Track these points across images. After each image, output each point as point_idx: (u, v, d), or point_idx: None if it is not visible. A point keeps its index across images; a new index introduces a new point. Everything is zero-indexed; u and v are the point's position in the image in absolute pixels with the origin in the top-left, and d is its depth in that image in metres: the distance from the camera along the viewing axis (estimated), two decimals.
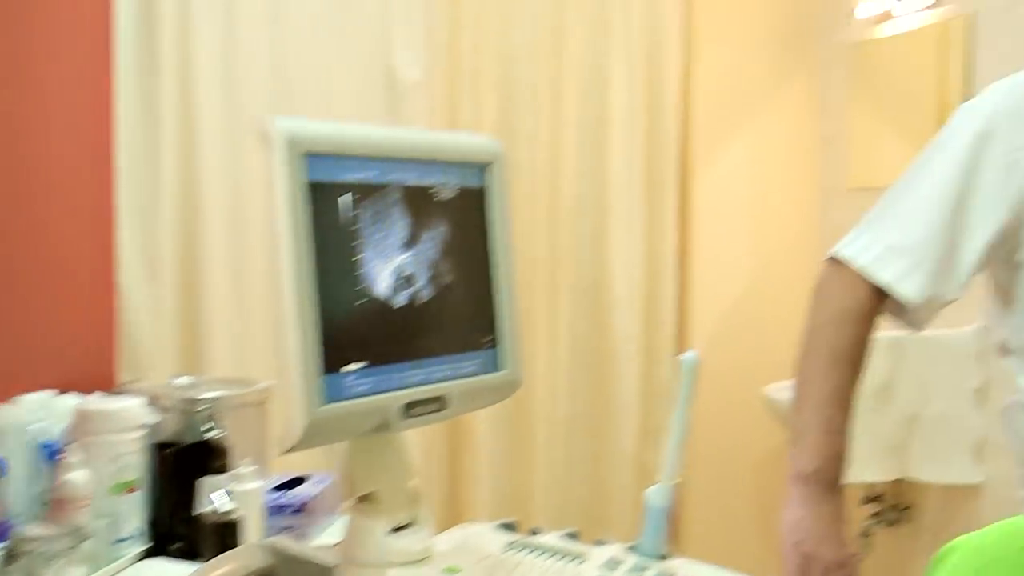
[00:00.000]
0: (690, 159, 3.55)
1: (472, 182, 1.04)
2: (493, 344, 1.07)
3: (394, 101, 2.94)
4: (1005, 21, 2.72)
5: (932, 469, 2.74)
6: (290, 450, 0.92)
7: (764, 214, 3.61)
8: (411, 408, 1.01)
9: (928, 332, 1.38)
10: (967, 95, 2.84)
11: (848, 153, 3.44)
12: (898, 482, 2.90)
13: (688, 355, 0.98)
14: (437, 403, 1.03)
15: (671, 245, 3.47)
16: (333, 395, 0.94)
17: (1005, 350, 1.36)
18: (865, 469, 2.71)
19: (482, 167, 1.05)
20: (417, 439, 2.96)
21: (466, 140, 1.05)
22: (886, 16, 3.21)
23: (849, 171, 3.42)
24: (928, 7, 3.02)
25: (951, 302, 1.31)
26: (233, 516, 1.52)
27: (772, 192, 3.61)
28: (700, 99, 3.53)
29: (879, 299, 1.32)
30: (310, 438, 0.93)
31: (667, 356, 3.41)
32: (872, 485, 3.00)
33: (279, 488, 1.85)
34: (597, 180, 3.40)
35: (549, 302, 3.37)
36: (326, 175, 0.95)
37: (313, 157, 0.93)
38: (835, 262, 1.35)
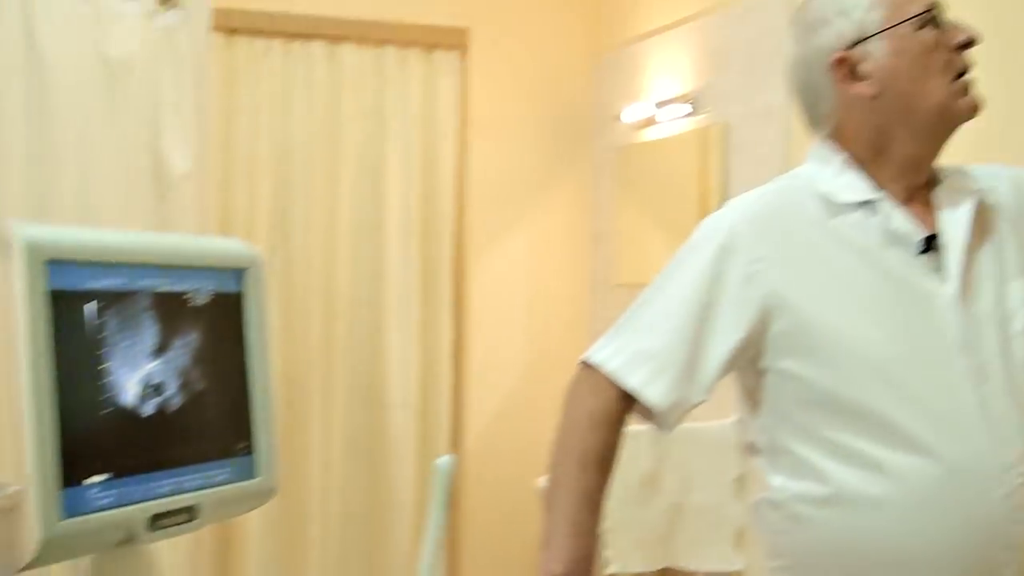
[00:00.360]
0: (466, 255, 3.63)
1: (227, 287, 1.04)
2: (248, 451, 1.06)
3: (162, 193, 2.87)
4: (753, 129, 2.97)
5: (695, 557, 2.84)
6: (27, 567, 0.87)
7: (538, 309, 3.73)
8: (159, 520, 0.98)
9: (691, 424, 1.45)
10: (725, 196, 3.05)
11: (616, 250, 3.62)
12: (664, 571, 2.98)
13: (443, 460, 1.00)
14: (187, 514, 1.00)
15: (447, 340, 3.52)
16: (73, 509, 0.91)
17: (754, 450, 1.43)
18: (631, 559, 2.79)
19: (238, 272, 1.05)
20: (183, 542, 2.83)
21: (221, 245, 1.05)
22: (650, 122, 3.43)
23: (617, 268, 3.60)
24: (687, 115, 3.25)
25: (698, 404, 1.37)
26: None
27: (546, 287, 3.75)
28: (475, 196, 3.65)
29: (628, 403, 1.37)
30: (48, 555, 0.89)
31: (443, 452, 3.43)
32: (639, 575, 3.08)
33: None
34: (373, 275, 3.42)
35: (324, 399, 3.34)
36: (69, 283, 0.93)
37: (55, 264, 0.90)
38: (587, 366, 1.39)
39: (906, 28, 1.36)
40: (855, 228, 1.37)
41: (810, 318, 1.33)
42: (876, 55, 1.37)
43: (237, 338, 1.04)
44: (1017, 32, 2.14)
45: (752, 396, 1.42)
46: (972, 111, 1.38)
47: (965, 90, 1.37)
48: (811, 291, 1.35)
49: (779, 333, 1.35)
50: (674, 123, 3.33)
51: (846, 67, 1.38)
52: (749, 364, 1.39)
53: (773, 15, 2.84)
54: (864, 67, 1.38)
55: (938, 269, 1.35)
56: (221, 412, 1.00)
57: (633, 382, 1.35)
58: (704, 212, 3.11)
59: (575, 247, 3.78)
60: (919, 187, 1.41)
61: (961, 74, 1.37)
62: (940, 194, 1.41)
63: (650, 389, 1.34)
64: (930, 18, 1.37)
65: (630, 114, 3.50)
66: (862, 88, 1.38)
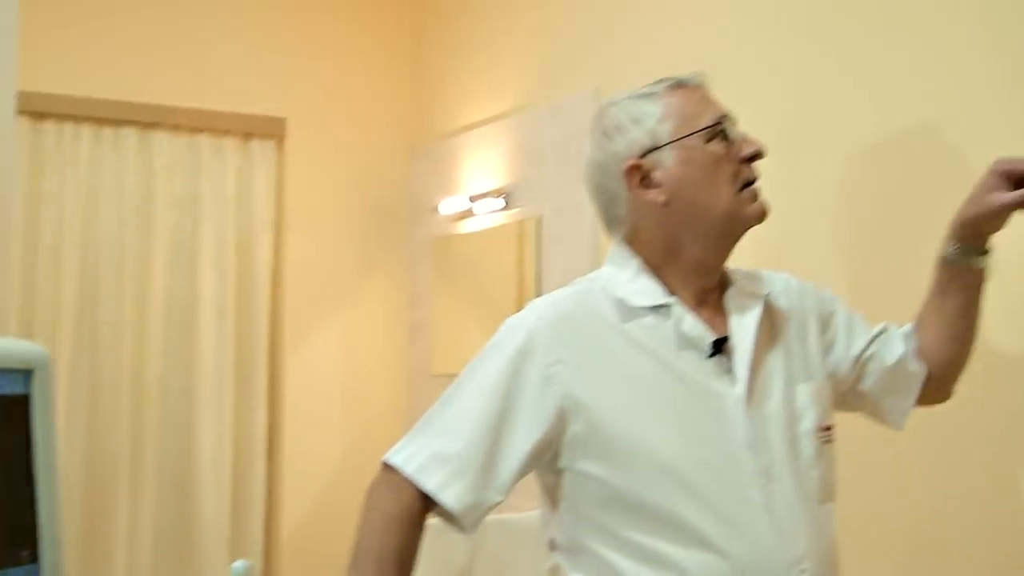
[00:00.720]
0: (281, 344, 3.60)
1: (13, 389, 1.02)
2: (34, 559, 1.03)
3: None
4: (565, 223, 3.09)
5: None
6: None
7: (354, 400, 3.72)
8: None
9: (505, 515, 1.47)
10: (540, 287, 3.15)
11: (434, 341, 3.66)
12: None
13: (238, 564, 0.99)
14: None
15: (261, 431, 3.46)
16: None
17: (554, 546, 1.45)
18: None
19: (26, 374, 1.03)
20: None
21: (7, 345, 1.03)
22: (467, 214, 3.51)
23: (435, 358, 3.63)
24: (501, 209, 3.35)
25: (496, 505, 1.38)
26: None
27: (363, 378, 3.74)
28: (292, 285, 3.63)
29: (427, 503, 1.37)
30: None
31: (256, 545, 3.34)
32: None
33: None
34: (185, 366, 3.34)
35: (131, 492, 3.21)
36: None
37: None
38: (387, 468, 1.40)
39: (695, 140, 1.42)
40: (649, 331, 1.41)
41: (605, 420, 1.37)
42: (666, 164, 1.43)
43: (22, 442, 1.01)
44: (802, 146, 2.32)
45: (551, 495, 1.44)
46: (758, 217, 1.45)
47: (752, 198, 1.44)
48: (606, 393, 1.38)
49: (575, 435, 1.37)
50: (490, 216, 3.42)
51: (638, 174, 1.44)
52: (548, 464, 1.41)
53: (582, 115, 2.97)
54: (656, 175, 1.43)
55: (728, 371, 1.40)
56: (2, 518, 0.97)
57: (430, 485, 1.36)
58: (521, 302, 3.19)
59: (392, 337, 3.80)
60: (710, 290, 1.47)
61: (748, 184, 1.44)
62: (730, 298, 1.47)
63: (447, 492, 1.35)
64: (718, 131, 1.43)
65: (447, 206, 3.58)
66: (653, 195, 1.43)
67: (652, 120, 1.44)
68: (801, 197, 2.30)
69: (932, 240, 1.51)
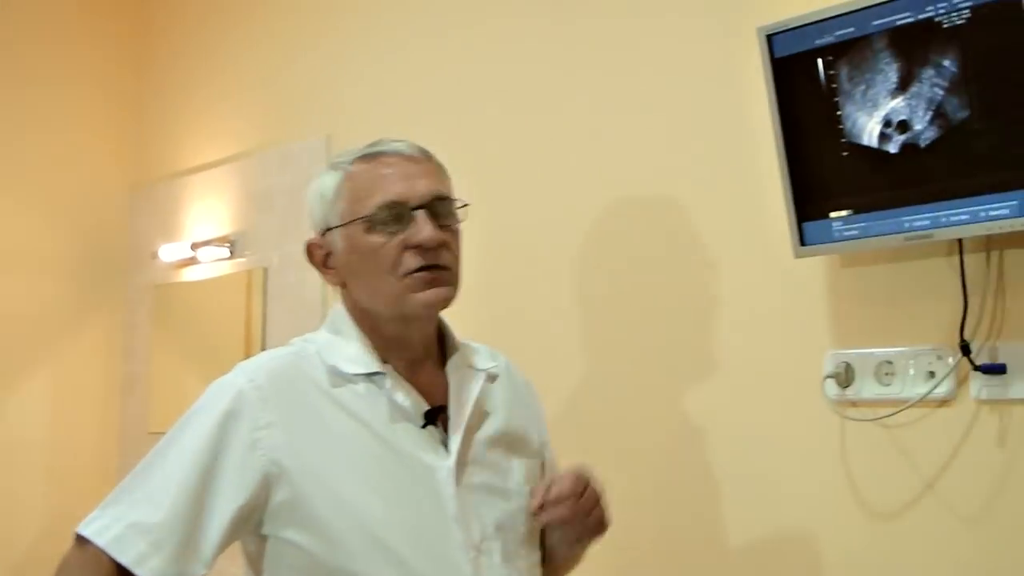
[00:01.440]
0: None
1: None
2: None
3: None
4: (293, 274, 3.01)
5: None
6: None
7: (61, 459, 3.44)
8: None
9: None
10: (265, 340, 3.06)
11: (151, 396, 3.46)
12: None
13: None
14: None
15: None
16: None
17: None
18: None
19: None
20: None
21: None
22: (190, 261, 3.36)
23: (151, 415, 3.43)
24: (226, 258, 3.23)
25: None
26: None
27: (70, 435, 3.48)
28: None
29: None
30: None
31: None
32: None
33: None
34: None
35: None
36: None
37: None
38: (80, 540, 1.32)
39: (357, 226, 1.40)
40: (362, 400, 1.39)
41: (311, 489, 1.34)
42: (338, 248, 1.43)
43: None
44: (532, 208, 2.38)
45: (254, 563, 1.41)
46: (427, 305, 1.41)
47: (421, 285, 1.39)
48: (314, 461, 1.35)
49: (281, 502, 1.34)
50: (214, 264, 3.29)
51: (320, 252, 1.45)
52: (253, 531, 1.38)
53: (312, 163, 2.93)
54: (332, 258, 1.44)
55: (443, 442, 1.41)
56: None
57: (127, 558, 1.29)
58: (247, 357, 3.08)
59: (104, 392, 3.57)
60: (426, 359, 1.47)
61: (418, 270, 1.39)
62: (452, 368, 1.47)
63: (146, 566, 1.28)
64: (381, 219, 1.39)
65: (168, 252, 3.41)
66: (331, 276, 1.45)
67: (329, 197, 1.43)
68: (531, 265, 2.36)
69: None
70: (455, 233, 1.45)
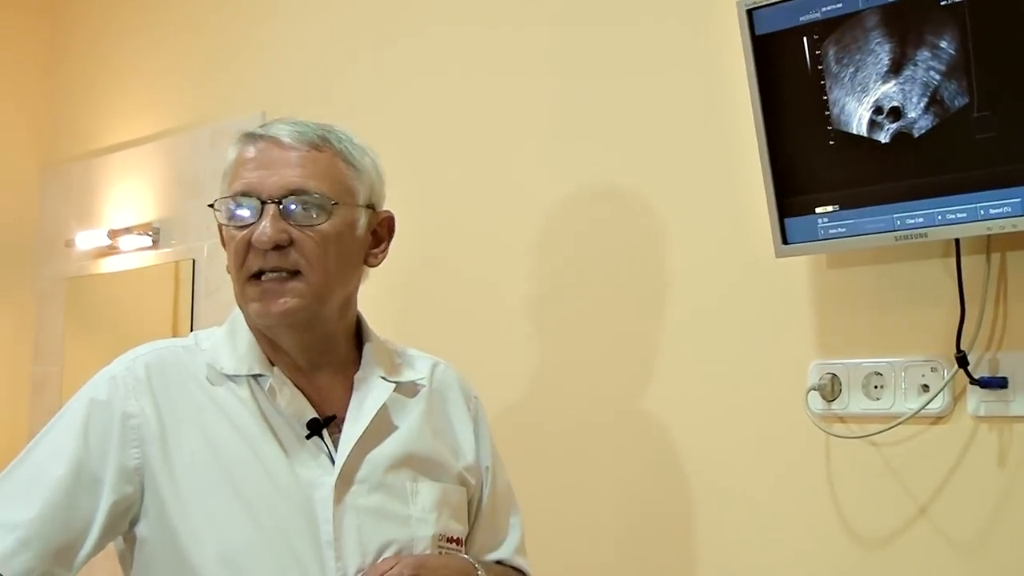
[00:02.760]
0: None
1: None
2: None
3: None
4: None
5: None
6: None
7: None
8: None
9: None
10: (194, 322, 2.99)
11: (63, 399, 3.34)
12: None
13: None
14: None
15: None
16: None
17: None
18: None
19: None
20: None
21: None
22: (109, 250, 3.27)
23: None
24: (149, 247, 3.15)
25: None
26: None
27: None
28: None
29: None
30: None
31: None
32: None
33: None
34: None
35: None
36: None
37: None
38: None
39: (219, 214, 1.41)
40: (242, 403, 1.39)
41: (172, 492, 1.34)
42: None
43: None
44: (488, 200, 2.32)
45: (127, 564, 1.42)
46: (260, 318, 1.39)
47: (255, 296, 1.38)
48: (182, 461, 1.36)
49: (149, 501, 1.35)
50: (136, 255, 3.21)
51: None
52: (126, 531, 1.38)
53: None
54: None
55: (332, 457, 1.39)
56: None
57: None
58: None
59: (11, 394, 3.47)
60: (325, 366, 1.45)
61: (255, 275, 1.37)
62: (363, 376, 1.46)
63: (11, 564, 1.28)
64: (228, 211, 1.38)
65: (84, 240, 3.31)
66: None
67: (221, 172, 1.44)
68: (487, 265, 2.33)
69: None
70: (320, 233, 1.38)
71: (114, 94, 3.39)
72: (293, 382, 1.41)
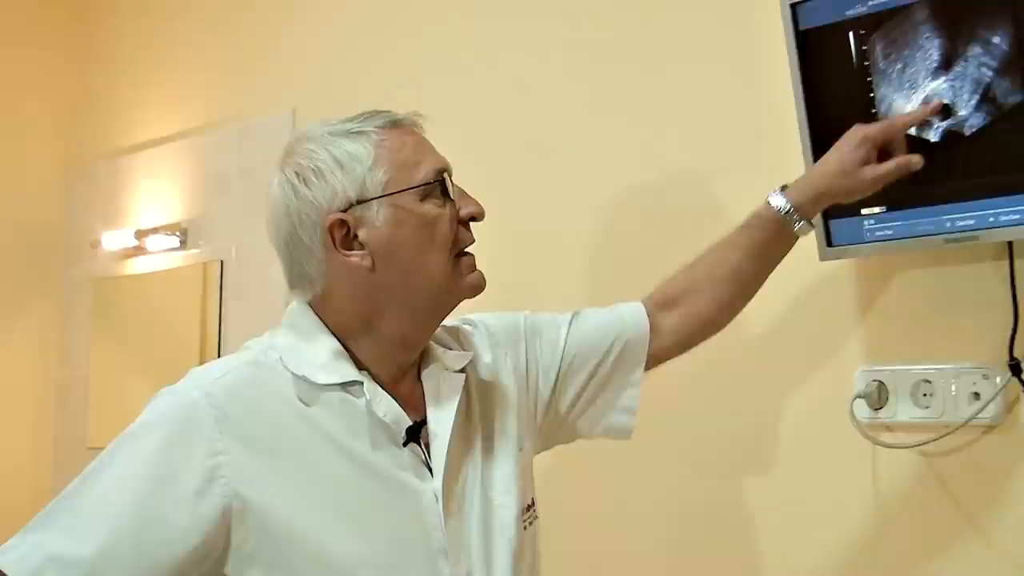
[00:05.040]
0: None
1: None
2: None
3: None
4: (251, 269, 3.00)
5: None
6: None
7: None
8: None
9: None
10: (223, 344, 3.05)
11: (91, 406, 3.44)
12: None
13: None
14: None
15: None
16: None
17: None
18: None
19: None
20: None
21: None
22: (136, 251, 3.34)
23: (92, 426, 3.42)
24: (177, 248, 3.22)
25: None
26: None
27: None
28: None
29: None
30: None
31: None
32: None
33: None
34: None
35: None
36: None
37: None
38: None
39: (409, 196, 1.40)
40: (336, 415, 1.38)
41: (280, 523, 1.32)
42: (375, 223, 1.39)
43: None
44: (513, 205, 2.37)
45: None
46: (474, 290, 1.45)
47: (469, 268, 1.44)
48: (283, 491, 1.33)
49: (243, 540, 1.31)
50: (163, 256, 3.28)
51: (342, 232, 1.39)
52: (209, 572, 1.33)
53: (276, 141, 2.83)
54: (361, 234, 1.39)
55: (425, 463, 1.40)
56: None
57: None
58: (207, 354, 3.07)
59: (37, 400, 3.56)
60: (410, 365, 1.46)
61: (465, 249, 1.44)
62: (429, 375, 1.47)
63: None
64: (436, 188, 1.41)
65: (110, 241, 3.40)
66: (357, 259, 1.39)
67: (361, 166, 1.39)
68: (540, 251, 2.35)
69: None
70: None
71: (140, 92, 3.47)
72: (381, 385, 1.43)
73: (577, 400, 1.63)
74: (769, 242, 1.66)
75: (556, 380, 1.61)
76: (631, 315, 1.67)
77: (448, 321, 1.54)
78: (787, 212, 1.63)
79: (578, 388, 1.62)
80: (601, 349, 1.63)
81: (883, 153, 1.62)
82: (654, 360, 1.68)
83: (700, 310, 1.69)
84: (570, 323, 1.64)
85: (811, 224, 1.66)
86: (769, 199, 1.65)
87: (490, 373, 1.55)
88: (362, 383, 1.39)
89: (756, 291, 1.71)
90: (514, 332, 1.62)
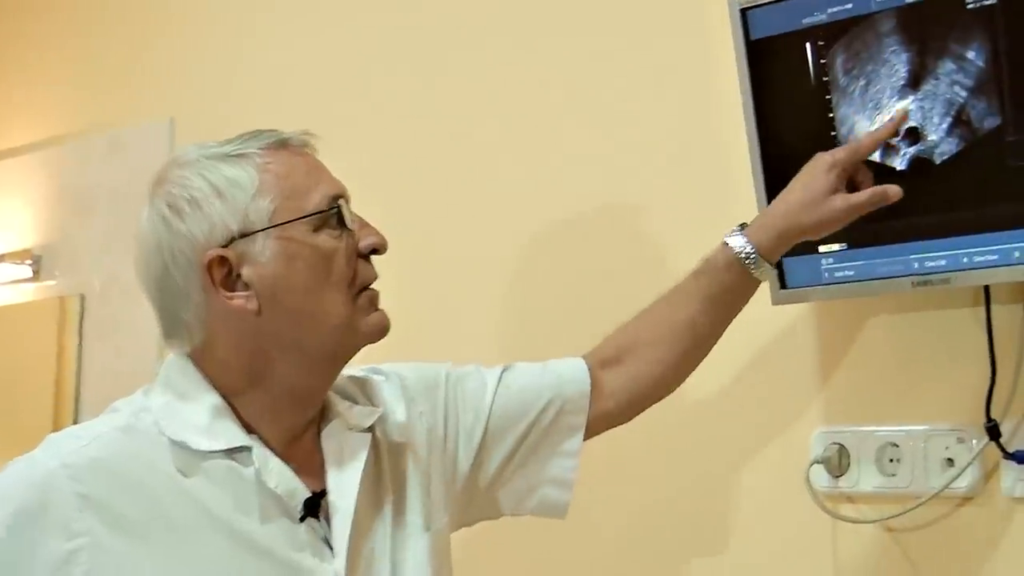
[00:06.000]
0: None
1: None
2: None
3: None
4: (119, 306, 2.94)
5: None
6: None
7: None
8: None
9: None
10: (80, 394, 2.99)
11: None
12: None
13: None
14: None
15: None
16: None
17: None
18: None
19: None
20: None
21: None
22: None
23: None
24: (28, 279, 3.15)
25: None
26: None
27: None
28: None
29: None
30: None
31: None
32: None
33: None
34: None
35: None
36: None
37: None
38: None
39: (300, 227, 1.39)
40: (219, 487, 1.35)
41: None
42: (261, 258, 1.38)
43: None
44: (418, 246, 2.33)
45: None
46: (378, 332, 1.44)
47: (371, 306, 1.44)
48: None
49: None
50: (12, 288, 3.23)
51: (222, 270, 1.37)
52: None
53: (151, 155, 2.85)
54: (245, 272, 1.37)
55: (325, 539, 1.39)
56: None
57: None
58: (59, 418, 3.01)
59: None
60: (307, 424, 1.45)
61: (366, 287, 1.43)
62: (329, 435, 1.46)
63: None
64: (332, 217, 1.40)
65: None
66: (240, 301, 1.37)
67: (243, 193, 1.38)
68: (454, 292, 2.36)
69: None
70: None
71: None
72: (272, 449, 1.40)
73: (503, 470, 1.62)
74: (727, 290, 1.65)
75: (479, 445, 1.60)
76: (570, 372, 1.66)
77: (354, 371, 1.55)
78: (748, 255, 1.62)
79: (504, 455, 1.61)
80: (534, 410, 1.62)
81: (850, 184, 1.62)
82: (594, 427, 1.66)
83: (648, 369, 1.68)
84: (499, 379, 1.63)
85: (773, 267, 1.65)
86: (726, 240, 1.64)
87: (403, 433, 1.54)
88: (251, 449, 1.37)
89: (712, 346, 1.70)
90: (432, 386, 1.61)
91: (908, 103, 1.66)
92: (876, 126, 1.68)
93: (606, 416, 1.67)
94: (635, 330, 1.70)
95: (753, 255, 1.62)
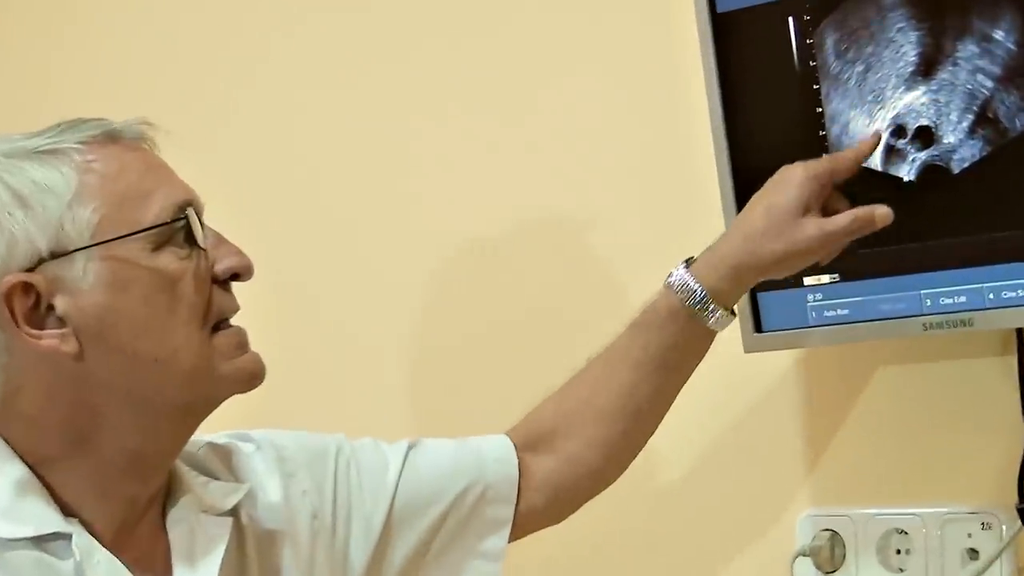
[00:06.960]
0: None
1: None
2: None
3: None
4: None
5: None
6: None
7: None
8: None
9: None
10: None
11: None
12: None
13: None
14: None
15: None
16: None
17: None
18: None
19: None
20: None
21: None
22: None
23: None
24: None
25: None
26: None
27: None
28: None
29: None
30: None
31: None
32: None
33: None
34: None
35: None
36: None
37: None
38: None
39: (134, 244, 1.32)
40: None
41: None
42: (81, 285, 1.31)
43: None
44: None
45: None
46: (247, 379, 1.38)
47: (236, 345, 1.38)
48: None
49: None
50: None
51: (27, 301, 1.29)
52: None
53: None
54: (59, 304, 1.30)
55: None
56: None
57: None
58: None
59: None
60: (147, 503, 1.38)
61: (224, 320, 1.37)
62: (176, 520, 1.40)
63: None
64: (178, 231, 1.34)
65: None
66: (52, 342, 1.30)
67: (56, 201, 1.31)
68: (341, 334, 2.32)
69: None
70: None
71: None
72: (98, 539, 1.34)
73: (407, 571, 1.58)
74: (671, 347, 1.58)
75: (379, 537, 1.55)
76: (494, 451, 1.61)
77: (214, 437, 1.52)
78: (696, 301, 1.55)
79: (409, 552, 1.57)
80: (448, 495, 1.58)
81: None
82: (520, 526, 1.62)
83: (581, 454, 1.63)
84: (405, 455, 1.59)
85: (732, 313, 1.57)
86: (669, 281, 1.56)
87: (277, 517, 1.50)
88: (69, 537, 1.30)
89: (660, 420, 1.64)
90: (319, 460, 1.56)
91: (918, 95, 1.60)
92: (877, 127, 1.63)
93: (532, 513, 1.62)
94: (564, 402, 1.65)
95: (703, 299, 1.55)
